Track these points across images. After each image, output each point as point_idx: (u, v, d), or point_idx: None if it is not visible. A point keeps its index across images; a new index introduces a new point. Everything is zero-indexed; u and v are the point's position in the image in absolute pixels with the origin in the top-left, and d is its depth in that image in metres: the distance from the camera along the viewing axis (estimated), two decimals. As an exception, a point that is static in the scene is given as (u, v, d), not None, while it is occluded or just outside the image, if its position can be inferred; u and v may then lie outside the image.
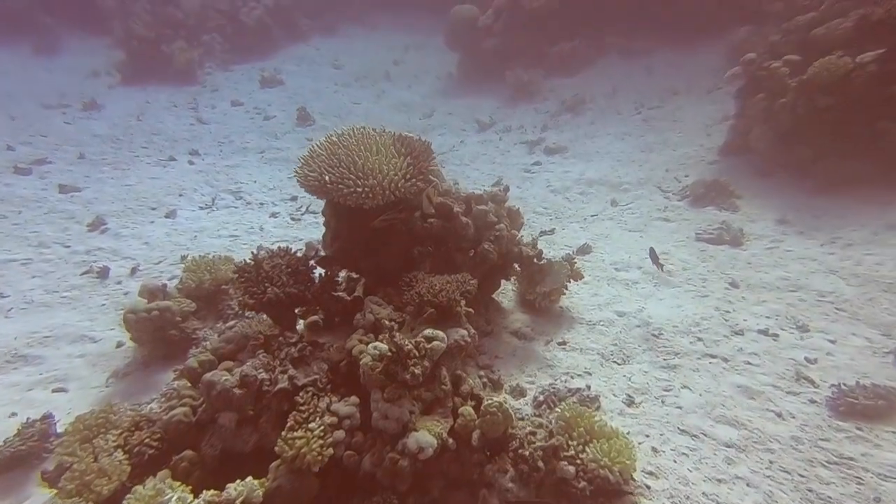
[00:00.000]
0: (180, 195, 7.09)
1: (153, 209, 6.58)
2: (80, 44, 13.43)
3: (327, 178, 3.39)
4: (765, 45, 7.04)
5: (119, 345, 4.25)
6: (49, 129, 8.60)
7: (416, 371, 2.83)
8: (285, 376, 3.07)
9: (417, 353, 2.93)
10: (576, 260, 4.73)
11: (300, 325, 4.38)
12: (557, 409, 3.29)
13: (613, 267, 5.21)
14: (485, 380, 3.73)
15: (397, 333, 2.99)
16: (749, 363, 3.60)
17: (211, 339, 4.03)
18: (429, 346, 3.02)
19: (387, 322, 3.06)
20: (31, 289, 4.80)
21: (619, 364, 3.83)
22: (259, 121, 10.64)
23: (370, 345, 3.04)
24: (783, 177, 5.99)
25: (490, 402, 2.97)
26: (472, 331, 3.43)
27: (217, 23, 14.14)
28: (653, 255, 4.65)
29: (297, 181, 3.65)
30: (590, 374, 3.77)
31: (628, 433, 3.13)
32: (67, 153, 7.90)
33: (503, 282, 4.58)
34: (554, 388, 3.62)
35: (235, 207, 6.98)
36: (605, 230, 6.07)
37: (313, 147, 3.75)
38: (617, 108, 9.92)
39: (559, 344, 4.14)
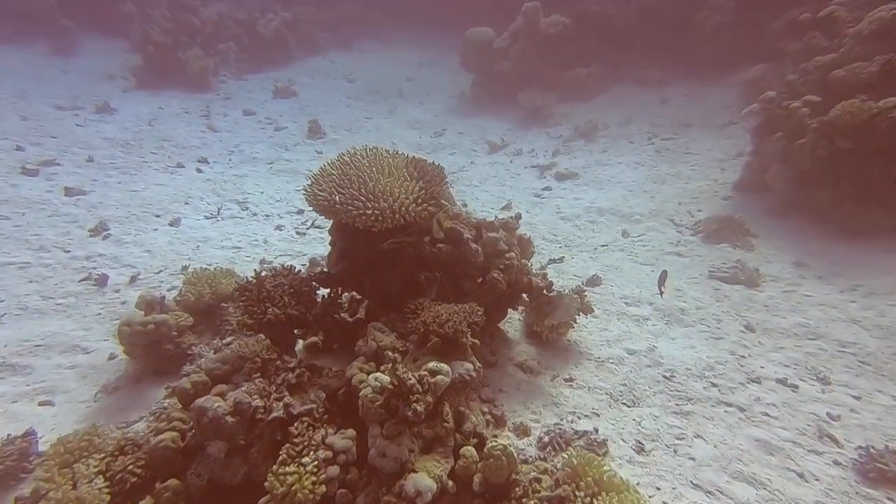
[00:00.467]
0: (186, 203, 7.04)
1: (157, 216, 6.52)
2: (96, 46, 13.60)
3: (337, 198, 3.31)
4: (780, 83, 7.02)
5: (111, 357, 4.14)
6: (59, 131, 8.62)
7: (419, 408, 2.70)
8: (280, 404, 2.94)
9: (420, 389, 2.80)
10: (586, 292, 4.61)
11: (299, 344, 4.27)
12: (564, 454, 3.14)
13: (623, 301, 5.08)
14: (487, 416, 3.58)
15: (400, 366, 2.87)
16: (767, 415, 3.45)
17: (206, 359, 3.91)
18: (432, 380, 2.90)
19: (390, 353, 2.93)
20: (26, 294, 4.71)
21: (628, 406, 3.68)
22: (270, 131, 10.67)
23: (371, 376, 2.92)
24: (800, 219, 5.89)
25: (494, 444, 2.83)
26: (478, 364, 3.30)
27: (234, 32, 14.34)
28: (662, 278, 4.37)
29: (306, 200, 3.57)
30: (597, 415, 3.62)
31: (638, 484, 2.98)
32: (76, 155, 7.90)
33: (509, 311, 4.46)
34: (560, 428, 3.47)
35: (241, 218, 6.92)
36: (615, 262, 5.96)
37: (324, 166, 3.68)
38: (630, 136, 9.90)
39: (566, 380, 3.99)
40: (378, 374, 2.93)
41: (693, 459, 3.13)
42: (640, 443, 3.31)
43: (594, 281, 5.46)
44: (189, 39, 12.90)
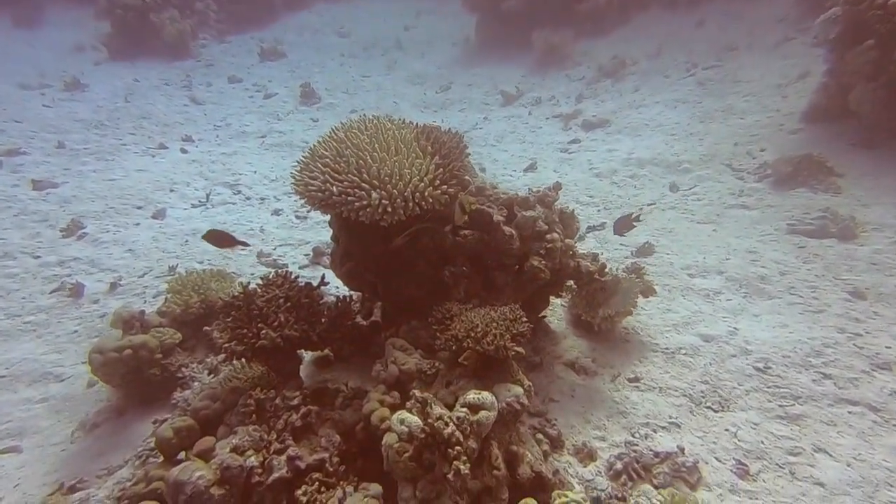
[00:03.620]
0: (171, 190, 6.35)
1: (139, 208, 5.86)
2: (65, 14, 12.59)
3: (334, 188, 2.56)
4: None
5: (90, 384, 3.61)
6: (25, 114, 7.88)
7: (462, 468, 2.05)
8: (282, 459, 2.33)
9: (461, 436, 2.15)
10: (644, 269, 3.87)
11: (308, 356, 3.67)
12: (653, 496, 2.50)
13: (686, 272, 4.32)
14: (540, 436, 2.94)
15: (432, 406, 2.20)
16: (913, 415, 2.74)
17: (193, 392, 3.33)
18: (474, 418, 2.26)
19: (417, 393, 2.26)
20: (-11, 314, 4.14)
21: (715, 411, 3.01)
22: (259, 99, 9.78)
23: (395, 416, 2.28)
24: (899, 147, 4.92)
25: (564, 499, 2.20)
26: (528, 383, 2.65)
27: (211, -11, 13.11)
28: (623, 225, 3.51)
29: (296, 192, 2.85)
30: (678, 426, 2.96)
31: (749, 526, 2.34)
32: (45, 142, 7.19)
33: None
34: (634, 448, 2.83)
35: (233, 204, 6.22)
36: (667, 223, 5.15)
37: (315, 146, 2.94)
38: (664, 70, 8.77)
39: (630, 381, 3.33)
40: (404, 414, 2.28)
41: (821, 485, 2.46)
42: (741, 464, 2.65)
43: (646, 250, 4.68)
44: (162, 0, 11.78)
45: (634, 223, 3.48)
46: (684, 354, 3.46)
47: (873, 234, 4.21)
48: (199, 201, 6.14)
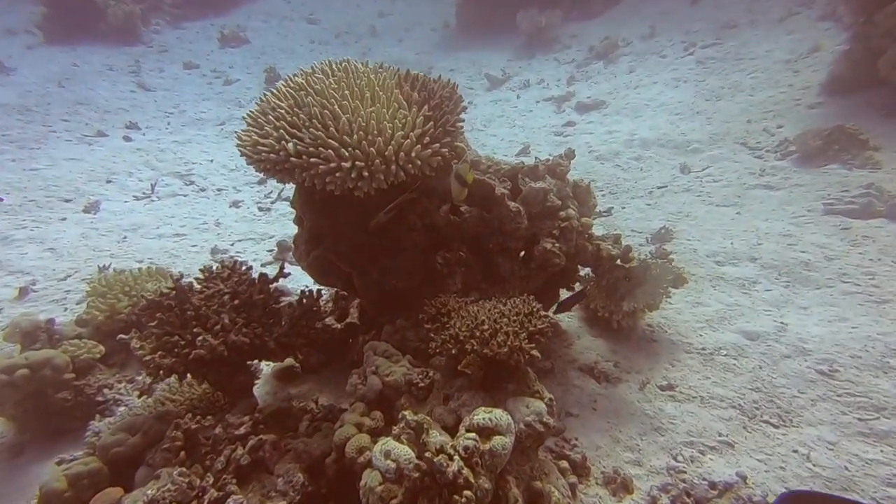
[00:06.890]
0: (108, 181, 5.66)
1: (67, 201, 5.17)
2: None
3: (290, 146, 1.99)
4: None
5: (-21, 417, 2.90)
6: (-66, 101, 7.07)
7: (477, 523, 1.49)
8: (221, 513, 1.73)
9: (471, 474, 1.59)
10: (672, 255, 3.39)
11: (265, 368, 3.10)
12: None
13: (713, 260, 3.87)
14: (563, 463, 2.39)
15: (429, 433, 1.65)
16: None
17: (115, 417, 2.70)
18: (486, 448, 1.71)
19: (409, 415, 1.69)
20: None
21: (776, 427, 2.52)
22: (218, 86, 9.12)
23: (378, 447, 1.72)
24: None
25: (613, 557, 1.66)
26: (550, 397, 2.11)
27: (163, -29, 12.37)
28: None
29: (241, 153, 2.27)
30: (730, 445, 2.46)
31: (846, 579, 1.83)
32: (-42, 130, 6.41)
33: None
34: (681, 476, 2.32)
35: (184, 195, 5.57)
36: (682, 207, 4.72)
37: (267, 97, 2.35)
38: (660, 50, 8.44)
39: (662, 388, 2.83)
40: (390, 443, 1.72)
41: (934, 527, 1.98)
42: (822, 496, 2.14)
43: (664, 236, 4.23)
44: (107, -19, 11.00)
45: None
46: (725, 356, 2.98)
47: (928, 212, 3.83)
48: (143, 193, 5.46)
